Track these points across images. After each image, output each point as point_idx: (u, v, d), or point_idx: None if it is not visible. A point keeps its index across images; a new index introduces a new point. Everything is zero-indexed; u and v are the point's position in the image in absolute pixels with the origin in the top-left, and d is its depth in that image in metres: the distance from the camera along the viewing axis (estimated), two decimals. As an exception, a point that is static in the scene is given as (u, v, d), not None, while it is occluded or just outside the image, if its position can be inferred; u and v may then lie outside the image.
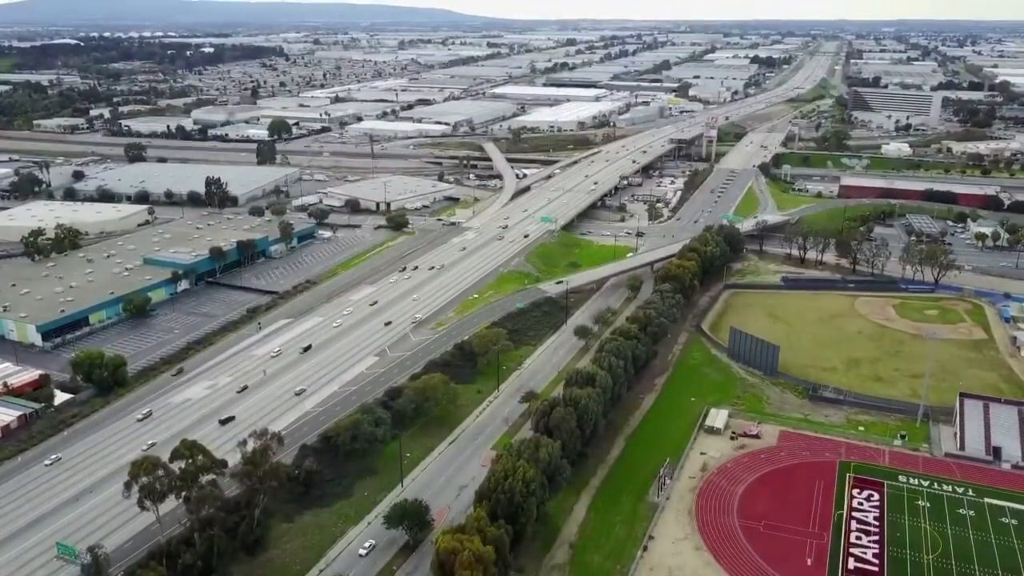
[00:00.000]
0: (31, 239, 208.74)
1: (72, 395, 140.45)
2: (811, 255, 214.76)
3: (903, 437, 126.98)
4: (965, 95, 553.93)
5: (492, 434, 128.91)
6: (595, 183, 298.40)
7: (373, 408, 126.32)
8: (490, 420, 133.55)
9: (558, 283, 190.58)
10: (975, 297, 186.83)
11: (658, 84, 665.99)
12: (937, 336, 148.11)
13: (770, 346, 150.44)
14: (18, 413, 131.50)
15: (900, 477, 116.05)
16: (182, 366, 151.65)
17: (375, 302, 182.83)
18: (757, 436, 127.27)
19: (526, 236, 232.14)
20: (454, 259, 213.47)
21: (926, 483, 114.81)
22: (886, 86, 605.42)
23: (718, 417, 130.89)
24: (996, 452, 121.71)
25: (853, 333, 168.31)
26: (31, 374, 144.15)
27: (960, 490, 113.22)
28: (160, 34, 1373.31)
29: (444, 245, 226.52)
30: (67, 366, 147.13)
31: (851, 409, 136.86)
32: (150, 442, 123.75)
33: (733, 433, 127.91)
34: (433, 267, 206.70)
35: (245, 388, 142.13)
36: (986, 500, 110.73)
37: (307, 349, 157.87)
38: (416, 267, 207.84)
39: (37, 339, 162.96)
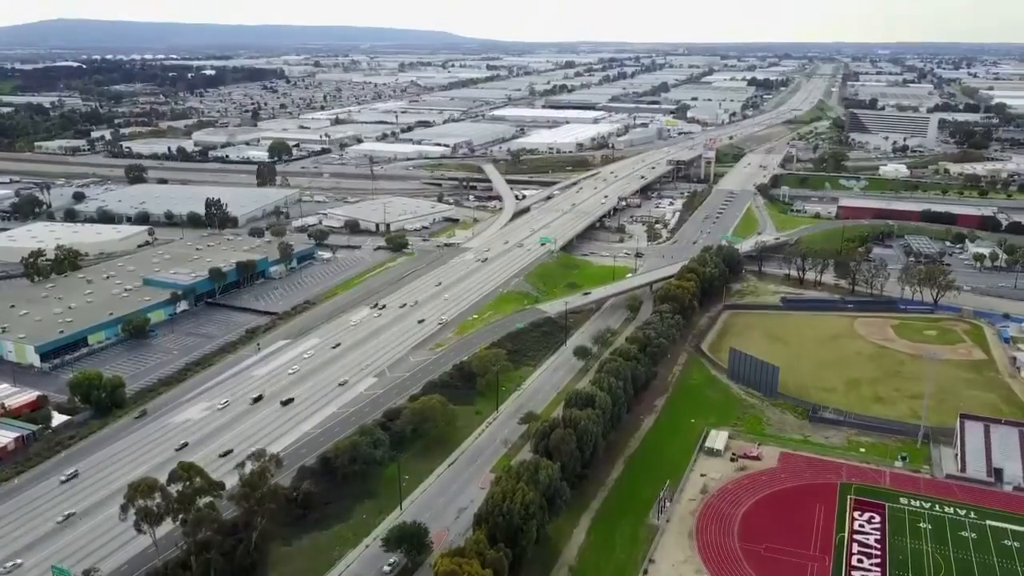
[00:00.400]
0: (31, 260, 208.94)
1: (70, 416, 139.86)
2: (810, 276, 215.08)
3: (904, 458, 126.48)
4: (961, 117, 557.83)
5: (491, 456, 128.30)
6: (605, 196, 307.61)
7: (372, 429, 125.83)
8: (489, 441, 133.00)
9: (585, 294, 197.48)
10: (974, 317, 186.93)
11: (656, 106, 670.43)
12: (937, 357, 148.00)
13: (770, 367, 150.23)
14: (15, 435, 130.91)
15: (901, 499, 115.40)
16: (145, 408, 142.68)
17: (337, 345, 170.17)
18: (757, 458, 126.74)
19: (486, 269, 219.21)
20: (429, 294, 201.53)
21: (928, 505, 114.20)
22: (883, 108, 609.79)
23: (718, 438, 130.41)
24: (997, 474, 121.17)
25: (852, 354, 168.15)
26: (29, 395, 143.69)
27: (962, 512, 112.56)
28: (162, 57, 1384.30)
29: (443, 266, 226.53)
30: (65, 387, 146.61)
31: (851, 430, 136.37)
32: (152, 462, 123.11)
33: (733, 455, 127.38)
34: (404, 304, 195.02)
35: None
36: (988, 522, 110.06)
37: (257, 399, 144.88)
38: (383, 306, 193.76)
39: (35, 360, 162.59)
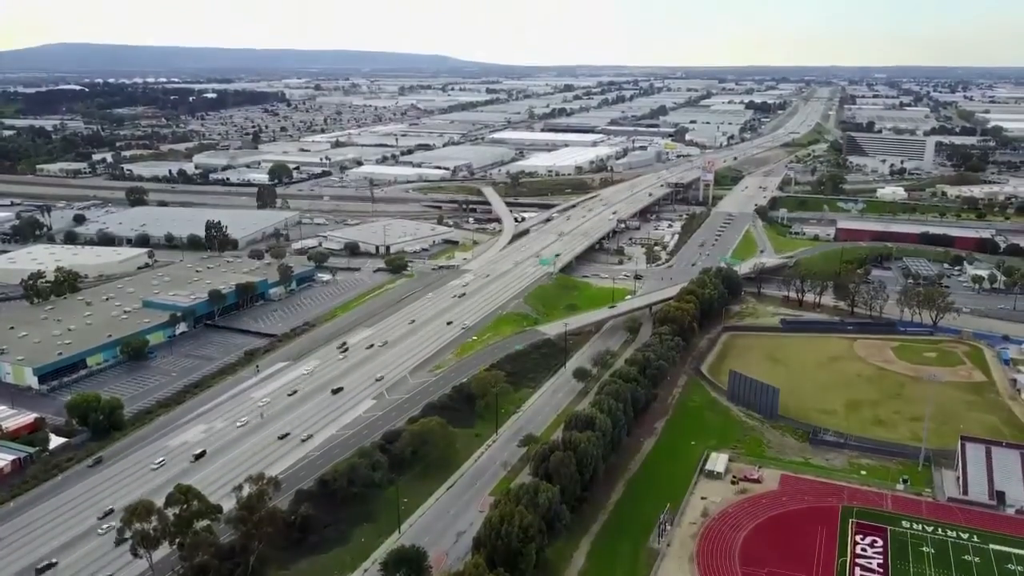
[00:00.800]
0: (30, 282, 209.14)
1: (67, 439, 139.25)
2: (809, 297, 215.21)
3: (905, 481, 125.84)
4: (958, 140, 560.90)
5: (491, 479, 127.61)
6: (614, 212, 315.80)
7: (370, 452, 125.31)
8: (488, 464, 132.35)
9: (611, 307, 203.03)
10: (974, 339, 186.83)
11: (655, 129, 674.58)
12: (937, 379, 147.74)
13: (770, 389, 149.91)
14: (12, 457, 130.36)
15: (904, 522, 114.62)
16: (101, 455, 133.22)
17: (294, 391, 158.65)
18: (758, 480, 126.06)
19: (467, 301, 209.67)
20: (402, 332, 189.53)
21: (930, 528, 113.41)
22: (880, 131, 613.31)
23: (718, 461, 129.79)
24: (1000, 497, 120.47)
25: (853, 376, 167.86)
26: (26, 417, 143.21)
27: (965, 536, 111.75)
28: (164, 80, 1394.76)
29: (440, 289, 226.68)
30: (63, 409, 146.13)
31: (852, 453, 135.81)
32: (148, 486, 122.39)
33: (734, 477, 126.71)
34: (372, 344, 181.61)
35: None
36: (991, 546, 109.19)
37: (199, 457, 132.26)
38: (345, 347, 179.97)
39: (34, 382, 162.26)
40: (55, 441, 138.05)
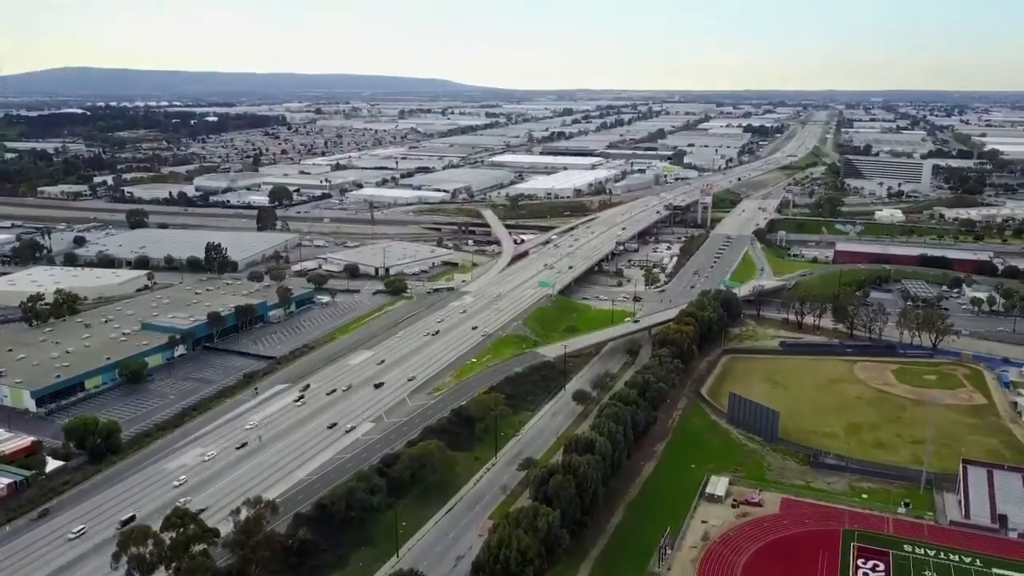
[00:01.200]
0: (29, 304, 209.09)
1: (64, 462, 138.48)
2: (808, 320, 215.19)
3: (907, 505, 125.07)
4: (955, 163, 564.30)
5: (490, 502, 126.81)
6: (623, 228, 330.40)
7: (369, 475, 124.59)
8: (488, 488, 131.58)
9: (635, 321, 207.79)
10: (974, 362, 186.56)
11: (653, 152, 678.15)
12: (938, 401, 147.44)
13: (770, 412, 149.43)
14: (8, 481, 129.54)
15: (906, 546, 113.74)
16: (47, 507, 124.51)
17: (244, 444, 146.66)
18: (759, 504, 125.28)
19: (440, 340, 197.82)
20: (364, 377, 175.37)
21: (932, 552, 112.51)
22: (877, 154, 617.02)
23: (719, 484, 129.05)
24: (1002, 520, 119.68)
25: (853, 398, 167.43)
26: (23, 440, 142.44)
27: (967, 560, 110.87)
28: (166, 104, 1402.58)
29: (440, 311, 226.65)
30: (60, 432, 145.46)
31: (853, 476, 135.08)
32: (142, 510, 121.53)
33: (734, 501, 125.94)
34: (334, 390, 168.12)
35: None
36: (994, 570, 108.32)
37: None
38: (303, 395, 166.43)
39: (31, 405, 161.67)
40: (52, 464, 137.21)
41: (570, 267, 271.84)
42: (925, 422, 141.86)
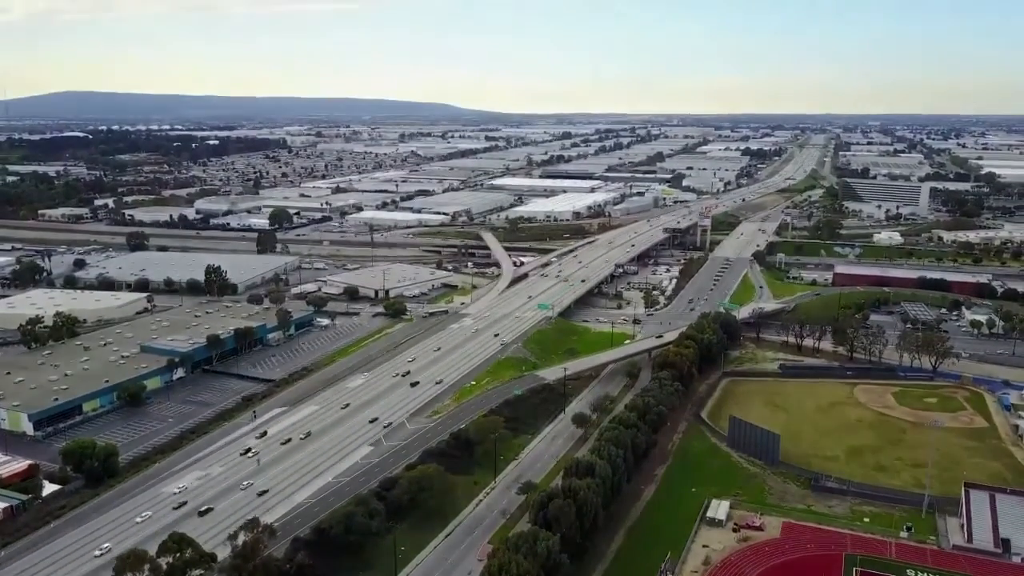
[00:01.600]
0: (29, 327, 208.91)
1: (61, 486, 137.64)
2: (808, 343, 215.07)
3: (909, 529, 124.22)
4: (952, 186, 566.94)
5: (489, 527, 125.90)
6: (633, 244, 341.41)
7: (367, 499, 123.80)
8: (487, 512, 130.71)
9: (658, 337, 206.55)
10: (974, 385, 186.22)
11: (652, 175, 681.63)
12: (939, 425, 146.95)
13: (770, 435, 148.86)
14: (4, 505, 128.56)
15: (908, 571, 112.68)
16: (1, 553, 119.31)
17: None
18: (760, 528, 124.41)
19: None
20: (325, 424, 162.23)
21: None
22: (875, 177, 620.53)
23: (720, 508, 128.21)
24: (1005, 544, 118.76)
25: (853, 421, 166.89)
26: (20, 464, 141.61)
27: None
28: (168, 127, 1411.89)
29: (435, 336, 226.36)
30: (58, 456, 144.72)
31: (855, 499, 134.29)
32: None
33: (735, 525, 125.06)
34: (289, 440, 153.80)
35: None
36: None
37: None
38: (262, 439, 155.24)
39: (29, 428, 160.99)
40: (48, 488, 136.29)
41: (583, 280, 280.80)
42: (926, 445, 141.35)
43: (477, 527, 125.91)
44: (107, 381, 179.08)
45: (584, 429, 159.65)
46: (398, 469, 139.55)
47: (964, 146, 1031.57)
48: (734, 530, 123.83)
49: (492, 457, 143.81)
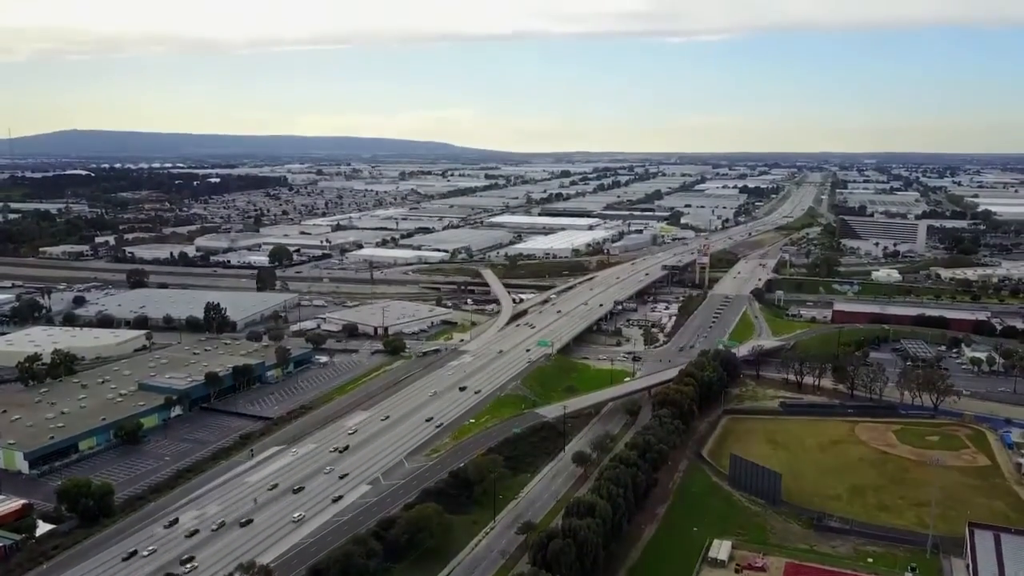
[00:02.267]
0: (27, 364, 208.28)
1: (55, 526, 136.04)
2: (808, 380, 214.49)
3: (914, 569, 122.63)
4: (949, 223, 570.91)
5: (488, 567, 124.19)
6: (647, 274, 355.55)
7: (365, 539, 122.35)
8: (486, 552, 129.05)
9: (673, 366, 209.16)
10: (976, 423, 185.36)
11: (650, 213, 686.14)
12: (941, 463, 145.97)
13: (772, 473, 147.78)
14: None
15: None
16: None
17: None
18: (763, 568, 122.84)
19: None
20: (263, 502, 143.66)
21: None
22: (872, 214, 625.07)
23: (721, 548, 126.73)
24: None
25: (855, 460, 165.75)
26: (14, 503, 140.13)
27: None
28: (169, 165, 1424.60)
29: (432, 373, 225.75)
30: (53, 495, 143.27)
31: (858, 539, 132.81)
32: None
33: (737, 565, 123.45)
34: (220, 524, 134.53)
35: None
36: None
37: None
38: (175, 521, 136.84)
39: (24, 467, 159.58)
40: (43, 528, 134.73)
41: (600, 304, 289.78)
42: (929, 484, 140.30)
43: (476, 568, 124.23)
44: (104, 419, 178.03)
45: (584, 468, 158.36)
46: (396, 508, 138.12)
47: (960, 184, 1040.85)
48: (736, 571, 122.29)
49: (491, 496, 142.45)
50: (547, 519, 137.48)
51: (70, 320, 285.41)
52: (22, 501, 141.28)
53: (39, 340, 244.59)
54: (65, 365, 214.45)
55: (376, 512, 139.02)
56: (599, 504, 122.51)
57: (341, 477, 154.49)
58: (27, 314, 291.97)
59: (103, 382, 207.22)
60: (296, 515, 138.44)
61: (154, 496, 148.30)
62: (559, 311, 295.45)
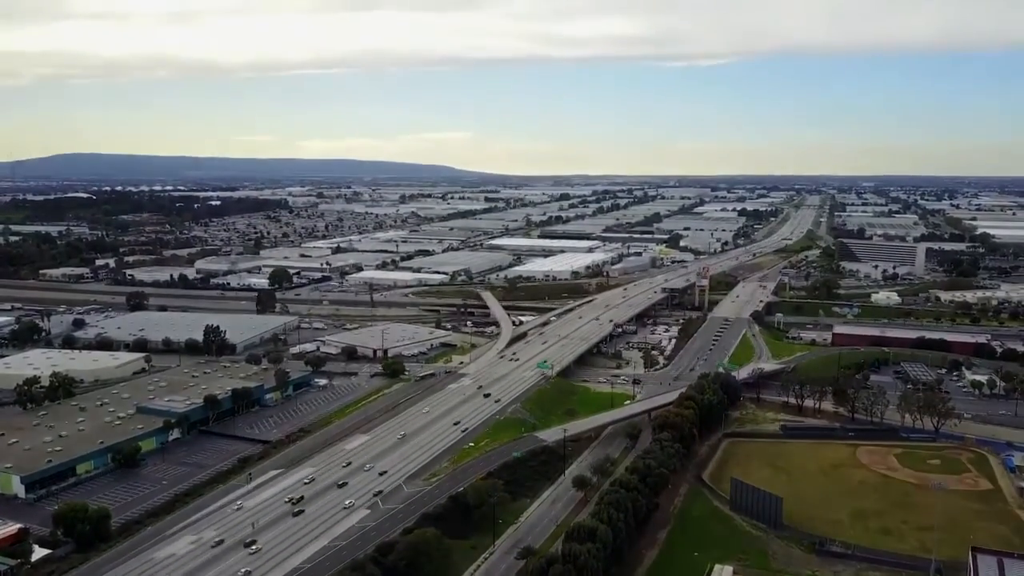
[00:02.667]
0: (25, 387, 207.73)
1: (51, 551, 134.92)
2: (808, 403, 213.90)
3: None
4: (947, 246, 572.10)
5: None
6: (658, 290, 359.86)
7: (364, 564, 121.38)
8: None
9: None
10: (977, 446, 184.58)
11: (649, 236, 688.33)
12: (943, 487, 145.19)
13: (773, 497, 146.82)
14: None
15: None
16: None
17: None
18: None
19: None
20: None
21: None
22: (870, 237, 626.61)
23: (723, 574, 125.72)
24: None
25: (857, 483, 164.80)
26: (9, 528, 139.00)
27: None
28: (170, 188, 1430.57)
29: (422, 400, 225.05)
30: (49, 519, 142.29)
31: (861, 564, 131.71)
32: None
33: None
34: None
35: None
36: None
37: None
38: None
39: (21, 491, 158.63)
40: (38, 553, 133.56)
41: (610, 321, 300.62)
42: (931, 508, 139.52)
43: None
44: (102, 442, 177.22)
45: (585, 492, 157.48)
46: (395, 533, 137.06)
47: (958, 207, 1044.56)
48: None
49: (491, 521, 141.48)
50: (547, 544, 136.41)
51: (69, 343, 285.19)
52: (18, 525, 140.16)
53: (38, 363, 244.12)
54: (64, 388, 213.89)
55: (374, 537, 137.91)
56: (600, 529, 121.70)
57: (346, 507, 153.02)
58: (26, 337, 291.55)
59: (101, 405, 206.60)
60: (296, 539, 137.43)
61: (151, 520, 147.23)
62: (544, 342, 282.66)
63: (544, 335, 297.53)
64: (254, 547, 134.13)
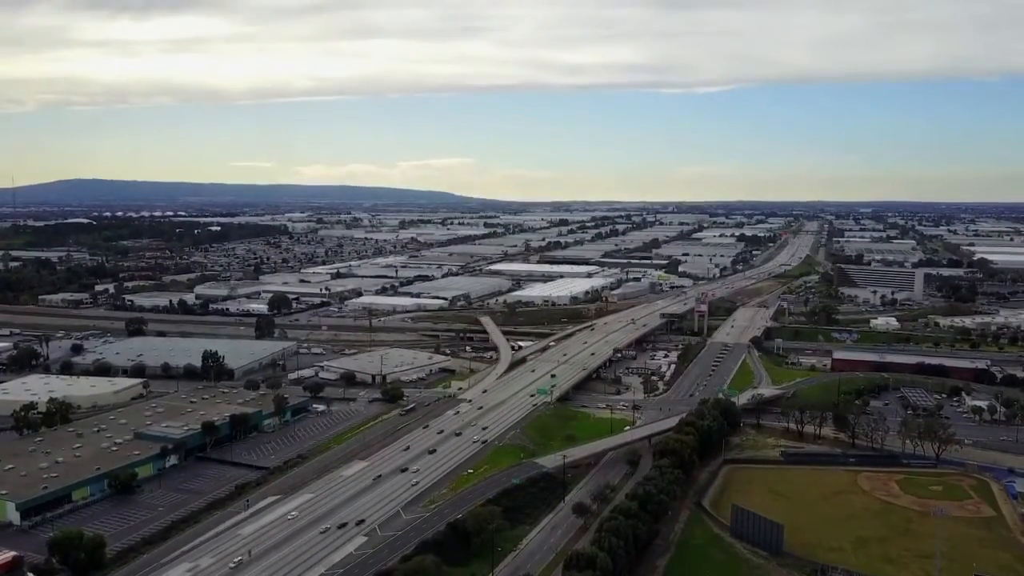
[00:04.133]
0: (22, 413, 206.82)
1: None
2: (809, 429, 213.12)
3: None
4: (946, 271, 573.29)
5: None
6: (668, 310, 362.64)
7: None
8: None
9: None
10: (979, 472, 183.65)
11: (648, 261, 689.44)
12: (945, 514, 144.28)
13: (774, 524, 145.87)
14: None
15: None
16: None
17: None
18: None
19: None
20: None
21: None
22: (869, 263, 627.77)
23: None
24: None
25: (858, 510, 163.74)
26: (4, 555, 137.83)
27: None
28: (171, 214, 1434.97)
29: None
30: (43, 546, 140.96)
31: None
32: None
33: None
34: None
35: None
36: None
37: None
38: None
39: (16, 517, 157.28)
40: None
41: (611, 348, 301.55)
42: (933, 535, 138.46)
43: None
44: (98, 468, 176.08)
45: (584, 519, 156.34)
46: (393, 561, 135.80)
47: (955, 232, 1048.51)
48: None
49: (490, 548, 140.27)
50: (546, 572, 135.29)
51: (67, 368, 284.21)
52: (13, 553, 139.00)
53: (35, 388, 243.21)
54: (61, 414, 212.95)
55: (372, 565, 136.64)
56: (599, 557, 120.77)
57: (340, 526, 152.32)
58: (24, 362, 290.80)
59: (99, 431, 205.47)
60: (291, 568, 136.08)
61: (147, 548, 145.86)
62: (532, 370, 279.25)
63: (544, 360, 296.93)
64: None
